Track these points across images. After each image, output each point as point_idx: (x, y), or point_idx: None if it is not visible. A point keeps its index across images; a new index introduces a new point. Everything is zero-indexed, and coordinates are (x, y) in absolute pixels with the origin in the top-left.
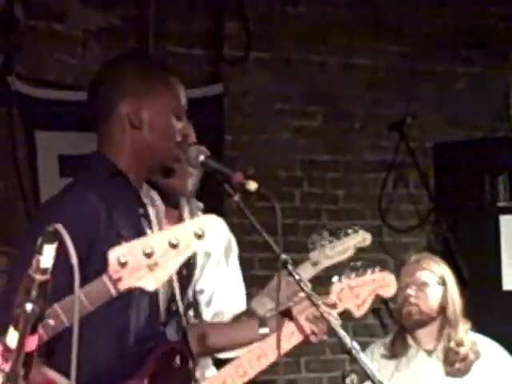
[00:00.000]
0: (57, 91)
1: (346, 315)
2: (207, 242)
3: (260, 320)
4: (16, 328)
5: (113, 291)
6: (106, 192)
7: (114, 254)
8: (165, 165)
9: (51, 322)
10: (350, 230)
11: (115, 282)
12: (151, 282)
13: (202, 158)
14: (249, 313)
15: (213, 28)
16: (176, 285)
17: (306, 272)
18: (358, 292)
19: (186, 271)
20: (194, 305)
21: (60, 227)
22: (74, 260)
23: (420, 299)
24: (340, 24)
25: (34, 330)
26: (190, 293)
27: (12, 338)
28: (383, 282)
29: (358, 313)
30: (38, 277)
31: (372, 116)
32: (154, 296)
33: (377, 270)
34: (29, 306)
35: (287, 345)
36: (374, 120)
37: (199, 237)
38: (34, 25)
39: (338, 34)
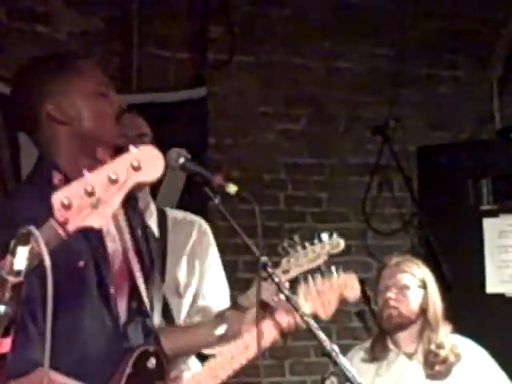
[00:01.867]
0: None
1: (329, 319)
2: (144, 173)
3: (218, 319)
4: None
5: (62, 234)
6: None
7: (57, 198)
8: (110, 145)
9: None
10: (322, 235)
11: (63, 224)
12: (97, 219)
13: (181, 160)
14: (237, 307)
15: (197, 31)
16: (140, 281)
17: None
18: (324, 295)
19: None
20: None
21: (33, 229)
22: (48, 262)
23: (400, 302)
24: (324, 27)
25: (6, 333)
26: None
27: None
28: (348, 284)
29: (323, 316)
30: (12, 279)
31: (356, 119)
32: (107, 296)
33: (341, 271)
34: (1, 308)
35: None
36: (357, 123)
37: (136, 169)
38: (18, 26)
39: (322, 38)
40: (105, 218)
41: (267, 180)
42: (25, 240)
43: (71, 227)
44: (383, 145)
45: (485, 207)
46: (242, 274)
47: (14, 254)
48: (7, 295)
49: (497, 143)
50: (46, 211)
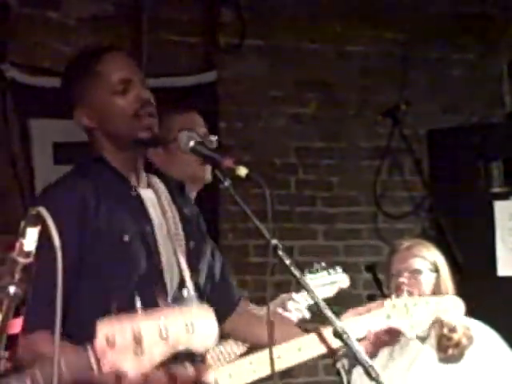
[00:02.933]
0: (51, 79)
1: (340, 303)
2: (196, 337)
3: None
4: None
5: (95, 368)
6: (95, 177)
7: (104, 331)
8: (134, 140)
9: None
10: (331, 270)
11: (99, 359)
12: (134, 367)
13: (191, 143)
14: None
15: (207, 15)
16: (182, 259)
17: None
18: (413, 312)
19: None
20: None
21: (43, 210)
22: (57, 243)
23: (413, 286)
24: (334, 11)
25: (17, 313)
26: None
27: None
28: (446, 305)
29: (409, 333)
30: (22, 260)
31: (366, 103)
32: (156, 268)
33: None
34: (12, 289)
35: None
36: (368, 107)
37: (189, 332)
38: (28, 12)
39: (333, 22)
40: (141, 369)
41: (278, 164)
42: (34, 221)
43: (106, 366)
44: (394, 128)
45: (495, 190)
46: (253, 258)
47: (23, 235)
48: (17, 276)
49: (507, 126)
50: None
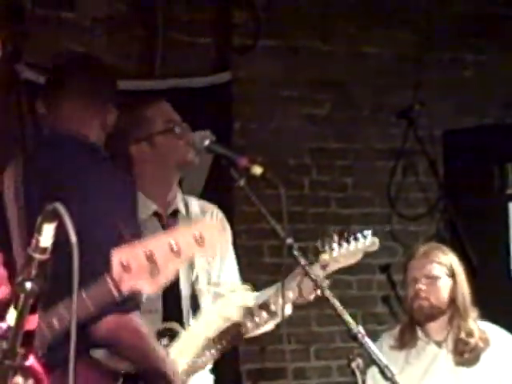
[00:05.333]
0: None
1: (354, 304)
2: (206, 248)
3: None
4: (15, 307)
5: (115, 293)
6: None
7: (117, 257)
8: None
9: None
10: (358, 234)
11: (117, 283)
12: (151, 285)
13: (206, 142)
14: (264, 306)
15: (221, 16)
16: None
17: (317, 274)
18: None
19: None
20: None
21: (59, 206)
22: (74, 239)
23: (430, 293)
24: (349, 11)
25: (33, 310)
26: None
27: (12, 316)
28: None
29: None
30: (38, 256)
31: (380, 104)
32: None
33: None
34: (28, 285)
35: None
36: (382, 108)
37: (198, 243)
38: (42, 13)
39: (347, 22)
40: (158, 286)
41: (292, 165)
42: (51, 217)
43: (124, 287)
44: (408, 129)
45: (510, 191)
46: (267, 258)
47: (39, 231)
48: (34, 272)
49: None
50: None
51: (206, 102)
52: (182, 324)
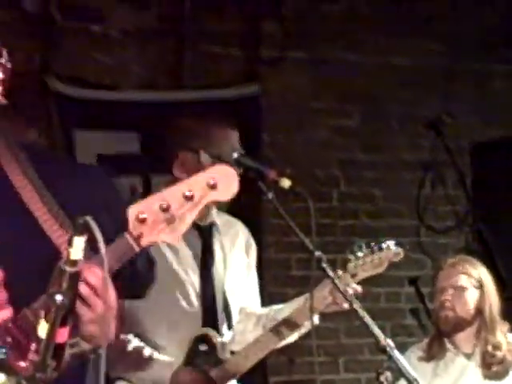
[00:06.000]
0: (94, 91)
1: (383, 317)
2: (220, 191)
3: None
4: (46, 319)
5: (136, 247)
6: None
7: (133, 212)
8: None
9: None
10: (383, 245)
11: (137, 238)
12: (171, 235)
13: (235, 155)
14: (288, 322)
15: (250, 28)
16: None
17: (348, 284)
18: None
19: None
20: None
21: (90, 219)
22: (103, 251)
23: (457, 304)
24: (377, 23)
25: (64, 322)
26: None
27: (43, 329)
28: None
29: None
30: (68, 268)
31: (409, 115)
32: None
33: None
34: (59, 297)
35: None
36: (410, 119)
37: (212, 187)
38: (72, 25)
39: (375, 33)
40: (178, 233)
41: (320, 177)
42: (81, 230)
43: (145, 242)
44: (437, 141)
45: None
46: (295, 271)
47: (70, 244)
48: (64, 285)
49: None
50: None
51: (234, 113)
52: (217, 330)
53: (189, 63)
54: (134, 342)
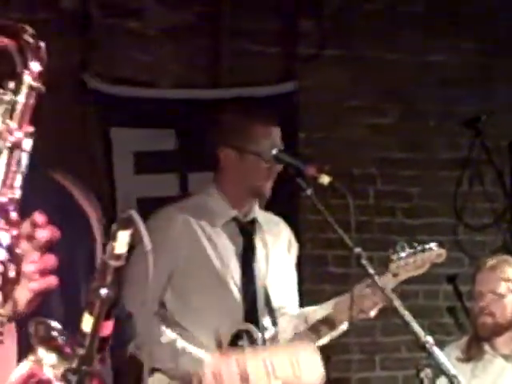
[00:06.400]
0: (131, 88)
1: (421, 314)
2: (302, 374)
3: None
4: (90, 313)
5: None
6: None
7: (212, 368)
8: None
9: None
10: (426, 246)
11: None
12: None
13: (274, 151)
14: (328, 320)
15: (287, 25)
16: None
17: (388, 283)
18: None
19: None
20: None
21: (134, 213)
22: (148, 247)
23: (495, 310)
24: (415, 21)
25: (108, 316)
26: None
27: (87, 322)
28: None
29: None
30: (113, 263)
31: (447, 113)
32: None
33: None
34: (103, 291)
35: None
36: (448, 117)
37: (294, 369)
38: (109, 22)
39: (413, 31)
40: None
41: (357, 174)
42: (126, 224)
43: None
44: (475, 139)
45: None
46: (332, 268)
47: (114, 238)
48: (109, 279)
49: None
50: None
51: (271, 111)
52: (258, 326)
53: (226, 61)
54: (168, 334)
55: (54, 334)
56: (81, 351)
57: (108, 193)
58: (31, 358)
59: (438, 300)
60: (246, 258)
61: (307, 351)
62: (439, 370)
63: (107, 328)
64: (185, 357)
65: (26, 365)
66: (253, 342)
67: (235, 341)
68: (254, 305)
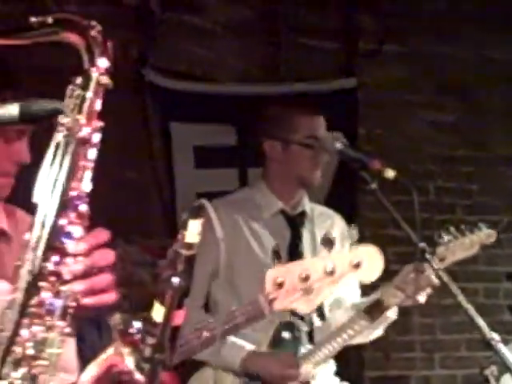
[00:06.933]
0: (190, 83)
1: (481, 312)
2: (363, 272)
3: None
4: (161, 302)
5: (266, 311)
6: None
7: (272, 274)
8: None
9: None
10: (475, 228)
11: (270, 301)
12: (304, 305)
13: (338, 145)
14: (378, 304)
15: (347, 21)
16: None
17: (427, 272)
18: None
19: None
20: None
21: (206, 203)
22: (220, 235)
23: None
24: (475, 16)
25: (179, 305)
26: None
27: (157, 312)
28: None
29: None
30: (184, 252)
31: (508, 110)
32: None
33: None
34: (175, 280)
35: None
36: (509, 114)
37: (355, 266)
38: (170, 17)
39: (473, 27)
40: (312, 306)
41: (417, 171)
42: (197, 213)
43: (277, 306)
44: None
45: None
46: (392, 265)
47: (185, 227)
48: (180, 267)
49: None
50: None
51: (330, 107)
52: (302, 319)
53: (285, 56)
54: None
55: (132, 329)
56: (151, 340)
57: (168, 187)
58: (112, 349)
59: (499, 298)
60: (293, 250)
61: (368, 249)
62: (505, 368)
63: (179, 317)
64: (227, 346)
65: (108, 355)
66: (296, 335)
67: (279, 333)
68: None
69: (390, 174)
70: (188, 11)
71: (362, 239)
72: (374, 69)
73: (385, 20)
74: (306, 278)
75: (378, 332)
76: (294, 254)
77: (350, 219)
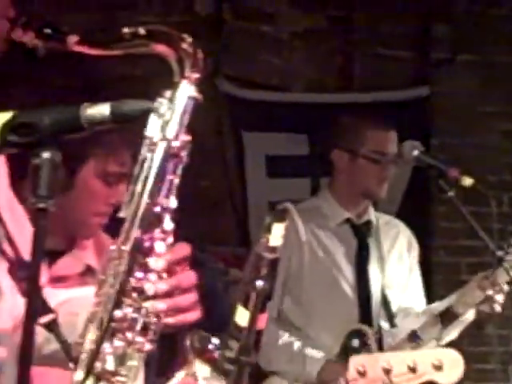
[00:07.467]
0: (263, 92)
1: None
2: (444, 375)
3: None
4: (245, 306)
5: None
6: None
7: (355, 362)
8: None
9: None
10: None
11: None
12: None
13: (415, 152)
14: (449, 313)
15: (420, 30)
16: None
17: (502, 276)
18: None
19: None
20: None
21: (290, 206)
22: (303, 238)
23: None
24: None
25: (262, 308)
26: None
27: (241, 316)
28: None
29: None
30: (267, 255)
31: None
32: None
33: None
34: (259, 283)
35: None
36: None
37: (437, 368)
38: (242, 26)
39: None
40: None
41: (491, 181)
42: (281, 217)
43: None
44: None
45: None
46: (464, 276)
47: (269, 230)
48: (264, 271)
49: None
50: None
51: (403, 115)
52: (370, 325)
53: (358, 65)
54: (285, 337)
55: (211, 346)
56: (235, 344)
57: (240, 196)
58: (185, 371)
59: None
60: (360, 259)
61: (450, 352)
62: None
63: (262, 321)
64: (300, 358)
65: (180, 377)
66: (365, 342)
67: (348, 341)
68: (368, 306)
69: (468, 182)
70: (261, 20)
71: (433, 249)
72: (447, 78)
73: (458, 29)
74: (389, 372)
75: (452, 336)
76: (361, 263)
77: (423, 229)
